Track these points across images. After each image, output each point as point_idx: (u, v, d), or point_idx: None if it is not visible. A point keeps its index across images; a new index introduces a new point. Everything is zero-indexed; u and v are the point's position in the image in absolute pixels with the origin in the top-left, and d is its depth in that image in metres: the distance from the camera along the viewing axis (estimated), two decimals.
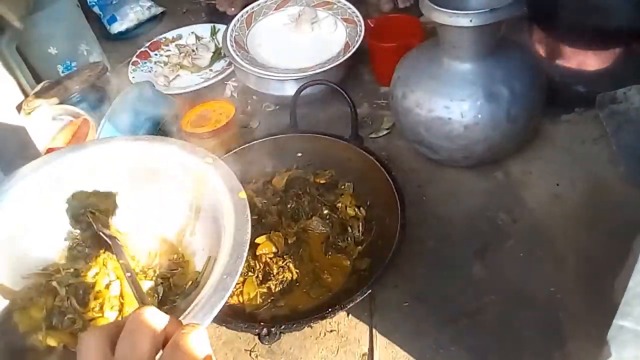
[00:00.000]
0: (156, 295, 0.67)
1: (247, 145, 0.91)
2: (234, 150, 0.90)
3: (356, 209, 0.85)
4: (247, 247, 0.57)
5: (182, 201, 0.71)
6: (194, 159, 0.68)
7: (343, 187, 0.89)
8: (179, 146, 0.71)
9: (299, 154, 0.93)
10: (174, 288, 0.68)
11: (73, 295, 0.63)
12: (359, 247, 0.82)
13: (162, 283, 0.68)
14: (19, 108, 1.02)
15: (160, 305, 0.66)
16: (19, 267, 0.65)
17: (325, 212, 0.86)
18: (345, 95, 0.89)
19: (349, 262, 0.81)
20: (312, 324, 0.71)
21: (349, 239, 0.83)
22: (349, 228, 0.84)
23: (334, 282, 0.79)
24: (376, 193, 0.85)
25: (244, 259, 0.56)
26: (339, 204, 0.86)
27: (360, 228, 0.84)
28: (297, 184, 0.89)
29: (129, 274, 0.59)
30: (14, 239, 0.66)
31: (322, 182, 0.89)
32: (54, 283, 0.64)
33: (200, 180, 0.67)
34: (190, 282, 0.67)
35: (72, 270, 0.66)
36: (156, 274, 0.69)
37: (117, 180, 0.71)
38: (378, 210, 0.85)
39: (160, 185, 0.71)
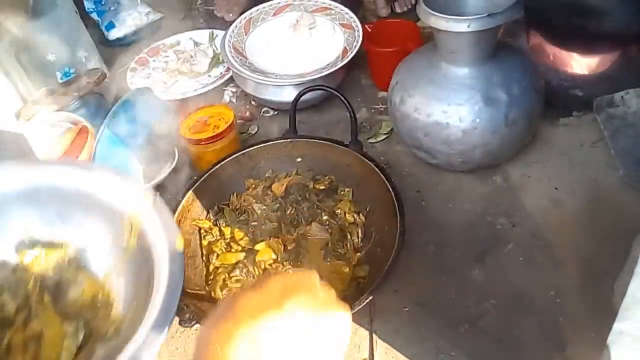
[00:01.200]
0: (76, 340, 0.61)
1: (246, 150, 0.91)
2: (233, 156, 0.90)
3: (355, 215, 0.85)
4: (177, 305, 0.53)
5: (113, 237, 0.65)
6: (134, 195, 0.63)
7: (342, 192, 0.89)
8: (121, 178, 0.65)
9: (299, 159, 0.93)
10: (94, 332, 0.62)
11: None
12: (358, 253, 0.82)
13: (83, 326, 0.62)
14: (17, 115, 1.02)
15: (79, 350, 0.61)
16: None
17: (325, 218, 0.86)
18: (344, 101, 0.89)
19: (348, 269, 0.80)
20: None
21: (348, 245, 0.82)
22: (348, 234, 0.83)
23: (333, 288, 0.79)
24: (375, 198, 0.85)
25: (173, 316, 0.52)
26: (338, 210, 0.86)
27: (359, 234, 0.83)
28: (296, 190, 0.89)
29: None
30: None
31: (321, 188, 0.89)
32: None
33: (136, 220, 0.61)
34: (112, 328, 0.61)
35: None
36: (79, 315, 0.64)
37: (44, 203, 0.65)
38: (377, 215, 0.85)
39: (91, 215, 0.65)
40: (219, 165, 0.89)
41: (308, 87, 0.94)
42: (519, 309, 0.75)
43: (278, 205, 0.88)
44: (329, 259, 0.82)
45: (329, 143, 0.91)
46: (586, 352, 0.68)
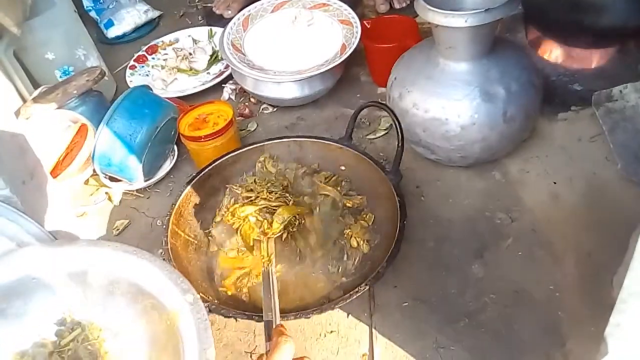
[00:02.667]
0: None
1: (246, 148, 0.91)
2: (233, 153, 0.90)
3: (361, 242, 0.82)
4: None
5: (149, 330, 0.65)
6: (174, 291, 0.62)
7: (365, 216, 0.85)
8: (165, 272, 0.64)
9: (343, 168, 0.90)
10: None
11: None
12: (343, 278, 0.80)
13: None
14: (17, 114, 1.02)
15: None
16: None
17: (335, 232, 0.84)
18: (392, 116, 0.83)
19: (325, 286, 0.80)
20: (312, 314, 0.70)
21: (339, 268, 0.81)
22: (345, 256, 0.82)
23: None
24: (375, 193, 0.85)
25: None
26: (348, 231, 0.84)
27: (355, 263, 0.81)
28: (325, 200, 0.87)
29: None
30: None
31: (349, 205, 0.87)
32: None
33: (173, 319, 0.61)
34: None
35: None
36: None
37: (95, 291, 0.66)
38: (377, 211, 0.85)
39: (133, 304, 0.65)
40: (218, 162, 0.90)
41: (368, 103, 0.89)
42: (518, 303, 0.75)
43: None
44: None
45: (330, 143, 0.90)
46: (585, 346, 0.68)
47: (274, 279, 0.73)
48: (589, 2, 0.92)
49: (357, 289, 0.70)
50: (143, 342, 0.64)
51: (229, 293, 0.80)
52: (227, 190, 0.90)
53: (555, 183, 0.88)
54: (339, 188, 0.88)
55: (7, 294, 0.64)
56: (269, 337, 0.63)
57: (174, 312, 0.60)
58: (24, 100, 1.08)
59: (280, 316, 0.70)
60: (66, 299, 0.66)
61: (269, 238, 0.81)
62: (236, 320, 0.71)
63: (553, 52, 1.00)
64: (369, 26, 1.12)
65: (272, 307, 0.68)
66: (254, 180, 0.89)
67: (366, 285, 0.70)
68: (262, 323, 0.67)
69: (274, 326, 0.64)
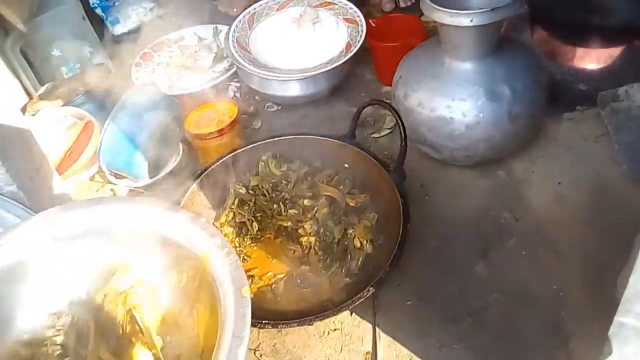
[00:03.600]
0: None
1: (250, 146, 0.92)
2: (237, 151, 0.91)
3: (365, 242, 0.82)
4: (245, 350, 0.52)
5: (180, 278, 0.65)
6: (201, 236, 0.61)
7: (369, 215, 0.85)
8: (189, 219, 0.63)
9: (346, 165, 0.90)
10: None
11: None
12: (346, 278, 0.80)
13: None
14: (23, 110, 1.03)
15: None
16: (4, 332, 0.60)
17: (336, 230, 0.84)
18: (394, 114, 0.83)
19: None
20: (315, 321, 0.71)
21: (343, 268, 0.81)
22: (348, 256, 0.82)
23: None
24: (378, 192, 0.85)
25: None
26: (351, 230, 0.83)
27: (359, 264, 0.81)
28: (328, 202, 0.87)
29: None
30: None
31: (351, 204, 0.87)
32: None
33: (204, 261, 0.60)
34: None
35: (59, 350, 0.61)
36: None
37: (122, 246, 0.65)
38: (380, 210, 0.85)
39: (162, 256, 0.65)
40: (222, 159, 0.90)
41: (370, 102, 0.89)
42: (521, 303, 0.75)
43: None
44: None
45: (333, 140, 0.91)
46: (589, 346, 0.68)
47: None
48: (596, 2, 0.92)
49: (360, 295, 0.70)
50: (177, 292, 0.64)
51: None
52: (231, 189, 0.91)
53: (560, 183, 0.88)
54: (341, 187, 0.88)
55: (37, 257, 0.63)
56: None
57: (204, 256, 0.59)
58: (30, 97, 1.09)
59: (284, 322, 0.71)
60: (95, 258, 0.66)
61: None
62: None
63: (559, 52, 1.00)
64: (374, 25, 1.12)
65: None
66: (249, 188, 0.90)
67: (368, 290, 0.71)
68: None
69: None
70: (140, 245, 0.64)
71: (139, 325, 0.62)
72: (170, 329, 0.64)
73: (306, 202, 0.87)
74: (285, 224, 0.86)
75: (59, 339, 0.62)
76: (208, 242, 0.60)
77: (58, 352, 0.61)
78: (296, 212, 0.86)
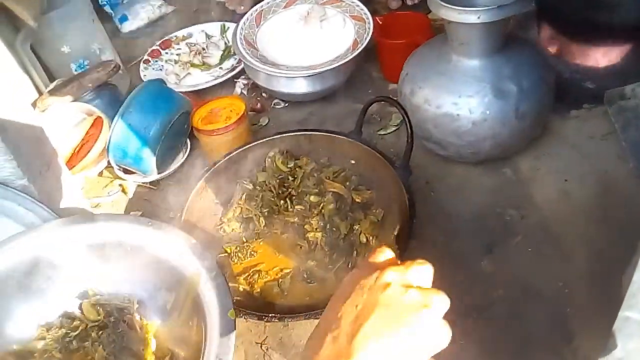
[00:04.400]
0: None
1: (258, 142, 0.92)
2: (245, 147, 0.91)
3: (371, 238, 0.83)
4: None
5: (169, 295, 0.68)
6: (192, 259, 0.64)
7: (375, 211, 0.86)
8: (182, 241, 0.66)
9: (352, 162, 0.91)
10: None
11: None
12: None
13: None
14: (32, 106, 1.03)
15: None
16: None
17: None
18: (401, 110, 0.83)
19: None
20: (319, 316, 0.71)
21: (349, 263, 0.81)
22: (354, 252, 0.82)
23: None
24: (384, 188, 0.86)
25: None
26: (357, 226, 0.84)
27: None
28: (334, 198, 0.87)
29: None
30: None
31: (358, 200, 0.87)
32: None
33: (194, 285, 0.62)
34: None
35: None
36: None
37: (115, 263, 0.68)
38: (386, 206, 0.86)
39: (152, 271, 0.68)
40: (230, 155, 0.91)
41: (377, 98, 0.89)
42: (527, 299, 0.75)
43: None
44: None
45: (339, 136, 0.91)
46: (594, 342, 0.68)
47: None
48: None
49: None
50: (166, 310, 0.66)
51: (241, 289, 0.80)
52: (238, 185, 0.91)
53: (566, 180, 0.88)
54: (347, 183, 0.89)
55: (28, 270, 0.65)
56: None
57: (193, 278, 0.61)
58: (40, 93, 1.10)
59: (291, 316, 0.71)
60: (87, 273, 0.68)
61: None
62: (246, 318, 0.72)
63: (566, 49, 1.00)
64: (381, 22, 1.12)
65: None
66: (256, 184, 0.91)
67: None
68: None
69: None
70: (132, 263, 0.66)
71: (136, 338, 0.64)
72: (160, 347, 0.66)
73: (312, 198, 0.87)
74: (292, 220, 0.87)
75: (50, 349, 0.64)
76: (198, 264, 0.62)
77: None
78: (302, 208, 0.87)
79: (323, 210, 0.85)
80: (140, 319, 0.67)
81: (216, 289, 0.60)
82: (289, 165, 0.92)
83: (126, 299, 0.67)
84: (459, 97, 0.84)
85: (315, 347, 0.38)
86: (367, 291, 0.39)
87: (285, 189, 0.90)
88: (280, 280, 0.81)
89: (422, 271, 0.42)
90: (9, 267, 0.64)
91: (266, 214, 0.88)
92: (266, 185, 0.91)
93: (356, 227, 0.84)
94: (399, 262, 0.43)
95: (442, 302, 0.40)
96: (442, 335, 0.39)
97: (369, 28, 1.11)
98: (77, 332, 0.65)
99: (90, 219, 0.69)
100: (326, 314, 0.41)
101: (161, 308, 0.67)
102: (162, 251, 0.65)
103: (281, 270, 0.83)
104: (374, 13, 1.17)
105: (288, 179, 0.90)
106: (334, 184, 0.88)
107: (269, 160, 0.93)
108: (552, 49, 1.01)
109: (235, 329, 0.56)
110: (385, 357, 0.36)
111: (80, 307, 0.68)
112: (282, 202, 0.88)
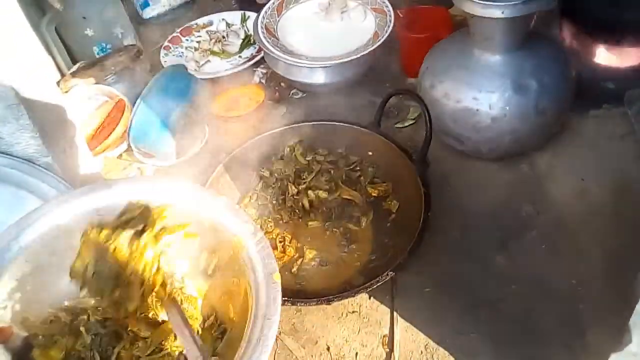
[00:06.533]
0: None
1: (275, 130, 0.93)
2: (262, 134, 0.92)
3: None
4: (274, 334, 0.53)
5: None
6: (235, 221, 0.63)
7: (391, 202, 0.88)
8: (225, 204, 0.65)
9: (370, 153, 0.93)
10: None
11: (97, 348, 0.61)
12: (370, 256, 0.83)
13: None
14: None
15: None
16: (45, 298, 0.63)
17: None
18: (420, 103, 0.84)
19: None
20: (334, 301, 0.72)
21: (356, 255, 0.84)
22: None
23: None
24: (401, 181, 0.86)
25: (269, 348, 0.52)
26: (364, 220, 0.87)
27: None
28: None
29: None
30: (42, 267, 0.63)
31: (374, 194, 0.89)
32: (81, 327, 0.62)
33: (238, 246, 0.62)
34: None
35: (100, 317, 0.63)
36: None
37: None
38: (402, 198, 0.86)
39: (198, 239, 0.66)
40: (248, 142, 0.92)
41: (397, 90, 0.91)
42: (539, 295, 0.76)
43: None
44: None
45: (358, 127, 0.92)
46: (605, 339, 0.68)
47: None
48: None
49: (378, 278, 0.72)
50: (209, 272, 0.67)
51: None
52: (256, 173, 0.93)
53: (583, 179, 0.88)
54: (361, 178, 0.90)
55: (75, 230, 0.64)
56: None
57: (238, 241, 0.61)
58: (63, 75, 1.11)
59: (303, 300, 0.73)
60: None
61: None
62: None
63: (587, 49, 0.99)
64: (402, 15, 1.12)
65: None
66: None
67: (387, 274, 0.72)
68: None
69: None
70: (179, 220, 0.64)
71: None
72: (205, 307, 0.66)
73: (321, 193, 0.89)
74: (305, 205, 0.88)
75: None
76: (242, 228, 0.62)
77: (98, 319, 0.63)
78: (312, 200, 0.89)
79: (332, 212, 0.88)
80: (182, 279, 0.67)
81: (260, 252, 0.60)
82: (307, 158, 0.93)
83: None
84: (479, 92, 0.84)
85: None
86: None
87: (301, 180, 0.91)
88: (293, 266, 0.83)
89: None
90: (64, 221, 0.64)
91: (281, 201, 0.89)
92: (283, 173, 0.92)
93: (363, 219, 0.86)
94: None
95: None
96: None
97: (390, 21, 1.11)
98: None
99: (128, 180, 0.69)
100: None
101: (204, 269, 0.67)
102: (205, 214, 0.65)
103: (295, 256, 0.84)
104: (395, 6, 1.16)
105: (304, 172, 0.91)
106: (351, 192, 0.89)
107: (288, 149, 0.93)
108: (574, 47, 1.01)
109: (280, 291, 0.56)
110: None
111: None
112: (295, 191, 0.89)
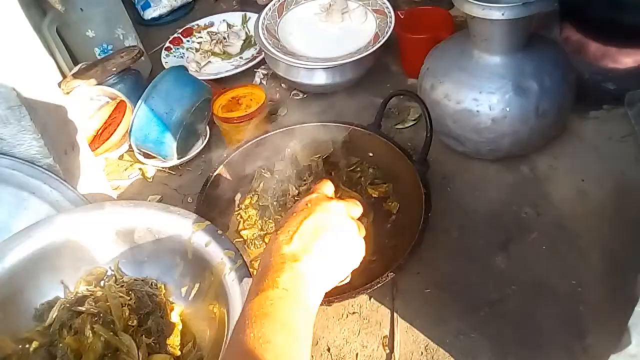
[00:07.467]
0: None
1: (276, 131, 0.93)
2: (263, 136, 0.92)
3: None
4: None
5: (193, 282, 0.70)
6: (217, 249, 0.65)
7: (391, 203, 0.88)
8: (208, 232, 0.67)
9: (370, 154, 0.93)
10: None
11: None
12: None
13: None
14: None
15: None
16: (21, 321, 0.65)
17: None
18: (420, 104, 0.84)
19: None
20: (334, 302, 0.72)
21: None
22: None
23: None
24: (401, 182, 0.86)
25: None
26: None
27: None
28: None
29: None
30: (20, 292, 0.65)
31: (374, 195, 0.89)
32: (55, 350, 0.63)
33: (218, 274, 0.64)
34: None
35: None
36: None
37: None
38: (402, 199, 0.86)
39: (178, 260, 0.70)
40: (249, 143, 0.92)
41: (398, 91, 0.91)
42: (540, 296, 0.76)
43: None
44: None
45: (358, 128, 0.92)
46: (606, 341, 0.68)
47: None
48: (626, 0, 0.91)
49: (378, 279, 0.72)
50: (190, 297, 0.68)
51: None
52: (256, 173, 0.93)
53: (583, 180, 0.88)
54: (362, 179, 0.90)
55: (59, 251, 0.68)
56: None
57: (218, 268, 0.63)
58: (64, 76, 1.11)
59: None
60: (115, 257, 0.71)
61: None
62: None
63: (587, 50, 0.99)
64: (402, 16, 1.12)
65: None
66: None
67: (387, 275, 0.72)
68: None
69: None
70: (158, 250, 0.69)
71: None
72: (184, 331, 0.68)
73: None
74: None
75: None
76: (222, 254, 0.64)
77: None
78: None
79: None
80: (166, 302, 0.69)
81: (239, 279, 0.62)
82: (308, 159, 0.93)
83: (153, 283, 0.69)
84: (479, 93, 0.84)
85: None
86: (310, 203, 0.51)
87: (301, 181, 0.91)
88: None
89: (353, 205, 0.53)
90: (40, 247, 0.67)
91: (282, 202, 0.89)
92: (283, 174, 0.92)
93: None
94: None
95: (357, 207, 0.53)
96: (360, 248, 0.51)
97: (391, 22, 1.12)
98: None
99: (118, 204, 0.71)
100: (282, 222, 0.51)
101: (185, 294, 0.69)
102: (189, 240, 0.67)
103: None
104: (395, 7, 1.17)
105: (305, 174, 0.91)
106: (351, 193, 0.89)
107: (289, 150, 0.93)
108: (574, 49, 1.01)
109: None
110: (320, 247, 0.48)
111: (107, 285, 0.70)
112: (296, 192, 0.89)
